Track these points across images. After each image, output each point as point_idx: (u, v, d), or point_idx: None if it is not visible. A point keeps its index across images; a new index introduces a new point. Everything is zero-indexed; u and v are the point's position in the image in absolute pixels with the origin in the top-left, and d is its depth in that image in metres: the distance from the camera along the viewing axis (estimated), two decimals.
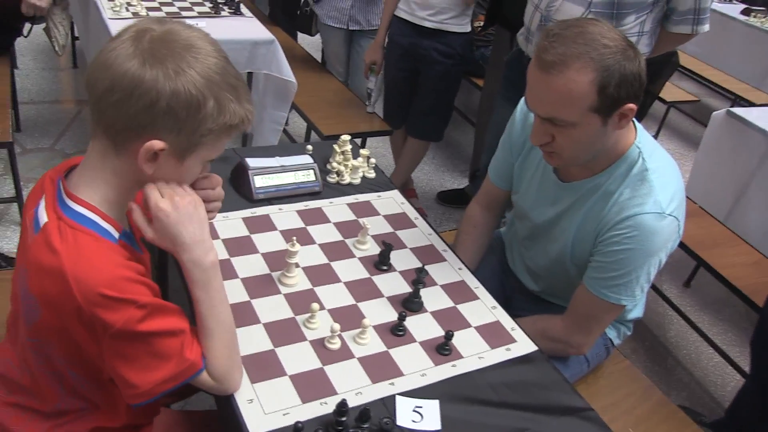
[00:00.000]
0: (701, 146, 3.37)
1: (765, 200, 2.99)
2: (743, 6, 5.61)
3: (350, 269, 1.59)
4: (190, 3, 3.13)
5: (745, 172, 3.09)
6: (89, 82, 1.00)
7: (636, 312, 1.83)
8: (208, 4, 3.15)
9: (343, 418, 1.16)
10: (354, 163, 1.93)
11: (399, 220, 1.82)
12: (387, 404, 1.26)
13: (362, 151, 1.99)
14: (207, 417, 1.52)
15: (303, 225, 1.71)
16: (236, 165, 1.80)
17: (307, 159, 1.87)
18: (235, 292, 1.44)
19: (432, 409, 1.26)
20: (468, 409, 1.29)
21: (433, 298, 1.55)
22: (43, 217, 1.03)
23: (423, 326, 1.46)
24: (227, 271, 1.49)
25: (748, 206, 3.09)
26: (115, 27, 2.64)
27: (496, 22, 3.31)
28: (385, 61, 3.18)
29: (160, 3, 3.05)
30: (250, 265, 1.53)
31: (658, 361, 2.88)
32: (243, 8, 3.20)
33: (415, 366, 1.36)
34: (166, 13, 2.96)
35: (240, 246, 1.59)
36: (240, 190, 1.77)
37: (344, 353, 1.35)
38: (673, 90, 4.79)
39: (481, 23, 3.57)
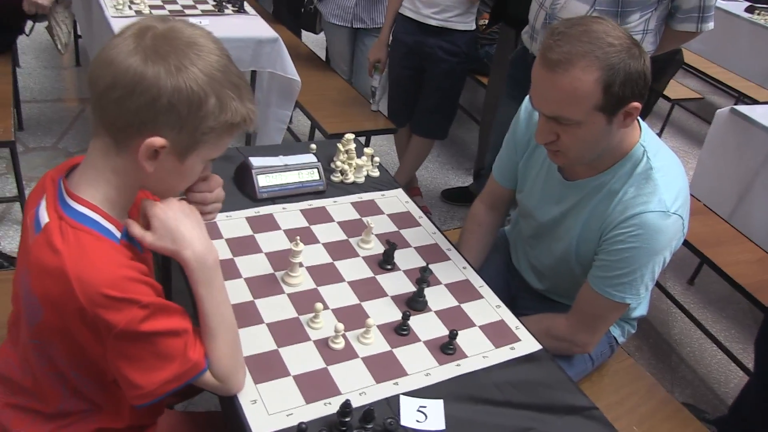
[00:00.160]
0: (705, 144, 3.36)
1: None
2: (747, 3, 5.59)
3: (354, 268, 1.59)
4: (194, 1, 3.13)
5: (749, 170, 3.08)
6: (91, 79, 1.00)
7: (640, 310, 1.82)
8: (211, 2, 3.15)
9: (347, 419, 1.15)
10: (358, 162, 1.93)
11: (403, 219, 1.82)
12: (391, 404, 1.25)
13: (366, 150, 1.98)
14: (211, 418, 1.51)
15: (307, 224, 1.71)
16: (240, 164, 1.80)
17: (310, 158, 1.86)
18: (238, 292, 1.44)
19: (436, 408, 1.26)
20: (472, 408, 1.29)
21: (438, 298, 1.55)
22: (44, 217, 1.03)
23: (427, 326, 1.46)
24: (230, 270, 1.49)
25: (752, 204, 3.08)
26: (117, 25, 2.63)
27: (500, 20, 3.30)
28: (389, 59, 3.17)
29: (163, 1, 3.05)
30: (254, 265, 1.53)
31: (662, 358, 2.87)
32: (247, 6, 3.20)
33: (420, 366, 1.35)
34: (170, 11, 2.96)
35: (243, 245, 1.58)
36: (243, 190, 1.77)
37: (348, 353, 1.35)
38: (678, 87, 4.78)
39: (486, 21, 3.56)
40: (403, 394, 1.28)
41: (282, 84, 3.13)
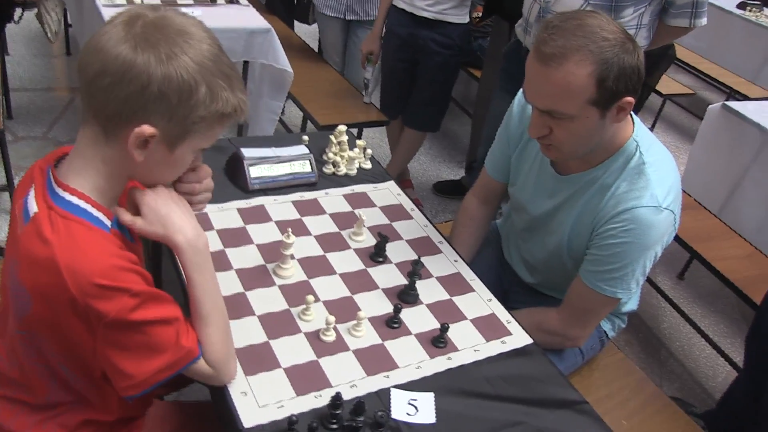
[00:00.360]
0: (696, 139, 3.38)
1: (759, 194, 3.00)
2: (739, 0, 5.61)
3: (346, 261, 1.58)
4: None
5: (739, 165, 3.10)
6: (80, 66, 0.98)
7: (631, 305, 1.83)
8: None
9: (338, 411, 1.15)
10: (350, 154, 1.92)
11: (395, 212, 1.81)
12: (382, 397, 1.25)
13: (358, 142, 1.98)
14: (200, 408, 1.51)
15: (298, 216, 1.70)
16: (231, 155, 1.79)
17: (303, 149, 1.85)
18: (229, 283, 1.43)
19: (427, 402, 1.26)
20: (463, 402, 1.29)
21: (429, 291, 1.55)
22: (33, 206, 1.02)
23: (418, 318, 1.46)
24: (222, 262, 1.49)
25: (742, 200, 3.10)
26: (108, 13, 2.61)
27: (494, 13, 3.29)
28: (382, 51, 3.16)
29: None
30: (245, 257, 1.52)
31: (652, 352, 2.89)
32: None
33: (411, 359, 1.35)
34: (161, 0, 2.93)
35: (235, 237, 1.58)
36: (235, 181, 1.76)
37: (339, 345, 1.34)
38: (669, 83, 4.79)
39: (479, 14, 3.55)
40: (394, 387, 1.28)
41: (274, 75, 3.11)
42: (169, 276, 1.53)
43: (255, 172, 1.75)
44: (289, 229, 1.46)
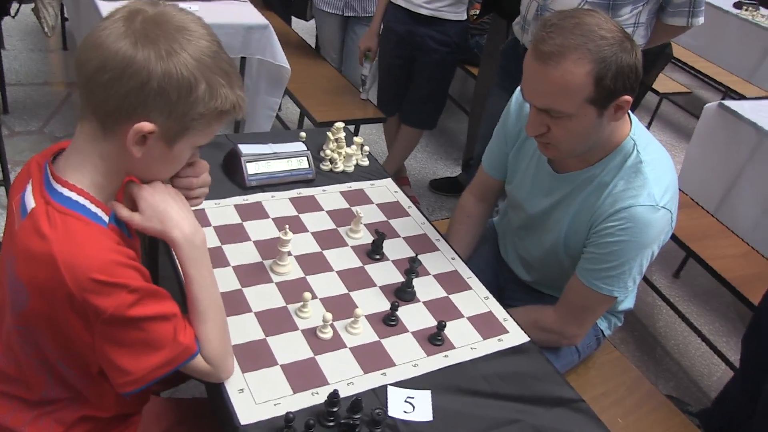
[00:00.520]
0: (693, 138, 3.38)
1: (755, 193, 3.01)
2: None
3: (343, 258, 1.58)
4: None
5: (736, 164, 3.10)
6: (79, 62, 0.98)
7: (627, 303, 1.83)
8: None
9: (335, 409, 1.15)
10: (347, 151, 1.92)
11: (392, 209, 1.81)
12: (379, 394, 1.25)
13: (356, 139, 1.97)
14: (196, 405, 1.51)
15: (296, 213, 1.70)
16: (229, 151, 1.79)
17: (300, 146, 1.85)
18: (226, 280, 1.43)
19: (424, 399, 1.26)
20: (460, 399, 1.29)
21: (426, 288, 1.55)
22: (31, 202, 1.02)
23: (415, 316, 1.46)
24: (219, 258, 1.48)
25: (738, 199, 3.10)
26: (105, 8, 2.60)
27: (492, 11, 3.29)
28: (380, 48, 3.16)
29: None
30: (242, 253, 1.52)
31: (647, 351, 2.89)
32: None
33: (407, 356, 1.35)
34: None
35: (232, 233, 1.57)
36: (232, 177, 1.76)
37: (336, 343, 1.34)
38: (666, 81, 4.80)
39: (477, 11, 3.55)
40: (391, 384, 1.28)
41: (271, 71, 3.11)
42: (165, 272, 1.53)
43: (252, 168, 1.74)
44: (287, 226, 1.46)
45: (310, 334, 1.35)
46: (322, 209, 1.74)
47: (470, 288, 1.59)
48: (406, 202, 1.86)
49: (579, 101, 1.36)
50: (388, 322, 1.42)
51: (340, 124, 1.94)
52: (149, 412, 1.37)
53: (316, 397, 1.21)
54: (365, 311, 1.42)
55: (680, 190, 1.53)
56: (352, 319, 1.38)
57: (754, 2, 5.50)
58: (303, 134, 1.95)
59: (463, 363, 1.37)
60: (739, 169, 3.09)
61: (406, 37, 3.05)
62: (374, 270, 1.56)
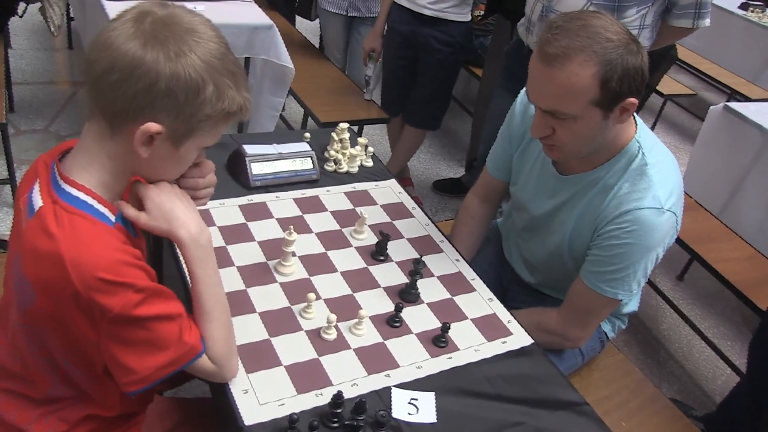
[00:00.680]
0: (698, 140, 3.37)
1: (760, 195, 3.00)
2: (741, 0, 5.60)
3: (347, 259, 1.58)
4: None
5: (741, 167, 3.10)
6: (88, 62, 0.98)
7: (631, 306, 1.83)
8: None
9: (339, 410, 1.15)
10: (352, 152, 1.92)
11: (396, 210, 1.81)
12: (382, 396, 1.25)
13: (360, 140, 1.97)
14: (200, 404, 1.51)
15: (300, 213, 1.70)
16: (233, 151, 1.79)
17: (304, 146, 1.85)
18: (230, 280, 1.43)
19: (428, 401, 1.26)
20: (463, 401, 1.29)
21: (430, 290, 1.55)
22: (38, 201, 1.02)
23: (419, 318, 1.46)
24: (223, 258, 1.48)
25: (742, 201, 3.10)
26: (111, 8, 2.61)
27: (496, 12, 3.29)
28: (384, 48, 3.16)
29: None
30: (246, 253, 1.52)
31: (651, 353, 2.89)
32: None
33: (411, 358, 1.35)
34: None
35: (236, 234, 1.58)
36: (237, 177, 1.76)
37: (340, 344, 1.34)
38: (671, 83, 4.79)
39: (481, 12, 3.55)
40: (395, 386, 1.28)
41: (275, 71, 3.11)
42: (169, 271, 1.53)
43: (257, 168, 1.75)
44: (291, 227, 1.46)
45: (314, 335, 1.35)
46: (327, 210, 1.74)
47: (474, 290, 1.59)
48: (410, 203, 1.86)
49: (584, 103, 1.36)
50: (392, 324, 1.42)
51: (344, 125, 1.94)
52: (153, 411, 1.37)
53: (320, 398, 1.21)
54: (369, 312, 1.42)
55: (685, 192, 1.53)
56: (356, 320, 1.38)
57: (760, 3, 5.49)
58: (307, 135, 1.95)
59: (467, 365, 1.37)
60: (744, 171, 3.09)
61: (410, 38, 3.05)
62: (378, 271, 1.57)
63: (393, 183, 1.93)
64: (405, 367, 1.33)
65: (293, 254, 1.51)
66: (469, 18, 3.04)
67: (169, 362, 1.06)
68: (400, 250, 1.65)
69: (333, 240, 1.63)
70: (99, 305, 0.97)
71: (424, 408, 1.24)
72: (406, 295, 1.50)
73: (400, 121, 3.40)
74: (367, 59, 3.18)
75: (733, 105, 3.19)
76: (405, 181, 3.58)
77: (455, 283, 1.59)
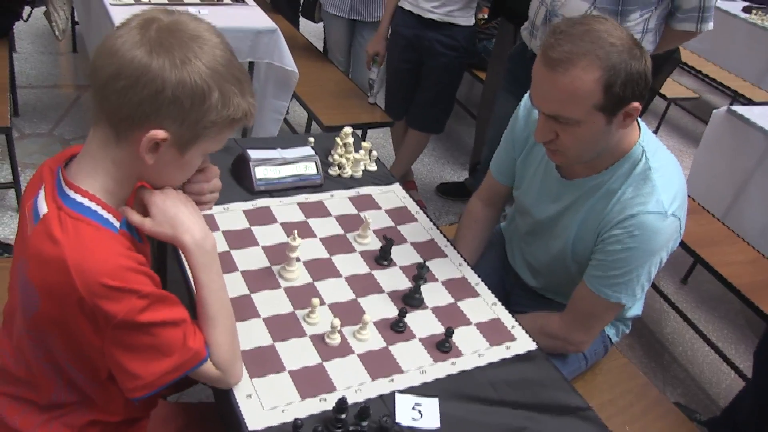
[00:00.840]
0: (701, 143, 3.37)
1: (764, 199, 3.00)
2: (745, 3, 5.60)
3: (351, 264, 1.58)
4: None
5: (744, 170, 3.09)
6: (94, 69, 0.99)
7: (635, 310, 1.83)
8: None
9: (343, 416, 1.16)
10: (356, 156, 1.92)
11: (400, 215, 1.81)
12: (386, 401, 1.26)
13: (364, 144, 1.98)
14: (204, 409, 1.52)
15: (304, 218, 1.70)
16: (238, 156, 1.80)
17: (308, 151, 1.85)
18: (234, 285, 1.43)
19: (431, 406, 1.26)
20: (467, 407, 1.29)
21: (434, 295, 1.55)
22: (43, 207, 1.03)
23: (423, 323, 1.46)
24: (227, 263, 1.49)
25: (746, 204, 3.09)
26: (116, 12, 2.61)
27: (500, 15, 3.29)
28: (387, 52, 3.16)
29: None
30: (250, 258, 1.53)
31: (655, 357, 2.88)
32: None
33: (415, 363, 1.35)
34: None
35: (240, 238, 1.58)
36: (241, 182, 1.76)
37: (344, 349, 1.35)
38: (674, 86, 4.79)
39: (485, 16, 3.55)
40: (399, 391, 1.28)
41: (279, 75, 3.12)
42: (173, 275, 1.53)
43: (261, 173, 1.75)
44: (295, 232, 1.46)
45: (318, 340, 1.35)
46: (330, 214, 1.74)
47: (478, 294, 1.59)
48: (414, 207, 1.86)
49: (587, 108, 1.36)
50: (395, 329, 1.42)
51: (348, 129, 1.95)
52: (157, 416, 1.37)
53: (324, 403, 1.22)
54: (373, 317, 1.42)
55: (688, 195, 1.53)
56: (360, 325, 1.38)
57: (763, 6, 5.49)
58: (311, 139, 1.95)
59: (471, 370, 1.37)
60: (748, 174, 3.08)
61: (414, 42, 3.06)
62: (382, 276, 1.57)
63: (397, 187, 1.93)
64: (409, 373, 1.33)
65: (297, 259, 1.51)
66: (473, 22, 3.05)
67: (174, 368, 1.06)
68: (403, 254, 1.65)
69: (337, 245, 1.64)
70: (103, 311, 0.98)
71: (428, 413, 1.24)
72: (410, 300, 1.50)
73: (403, 124, 3.40)
74: (371, 63, 3.18)
75: (737, 108, 3.18)
76: (409, 185, 3.58)
77: (459, 288, 1.59)
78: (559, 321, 1.65)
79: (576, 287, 1.62)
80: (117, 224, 1.06)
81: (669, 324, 3.11)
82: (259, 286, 1.45)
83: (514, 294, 1.94)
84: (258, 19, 3.00)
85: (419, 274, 1.49)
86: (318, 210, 1.75)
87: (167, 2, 2.88)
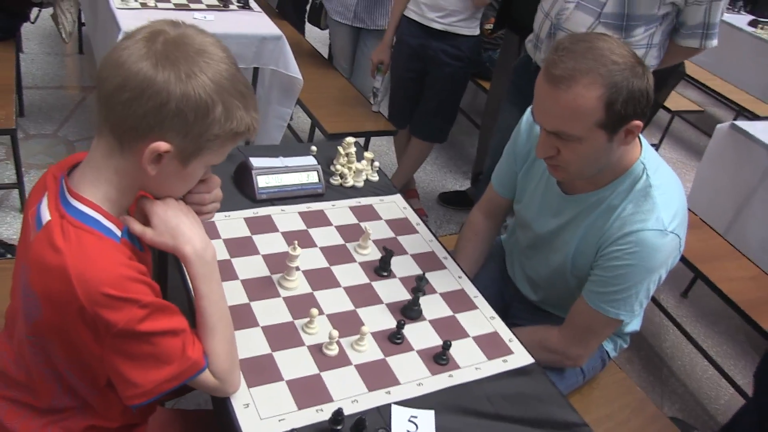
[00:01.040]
0: (704, 158, 3.37)
1: (766, 215, 3.00)
2: (750, 17, 5.61)
3: (350, 274, 1.59)
4: None
5: (747, 185, 3.09)
6: (99, 79, 1.00)
7: (633, 325, 1.83)
8: None
9: (339, 427, 1.16)
10: (358, 166, 1.93)
11: (401, 225, 1.82)
12: (382, 413, 1.26)
13: (366, 154, 1.98)
14: (201, 416, 1.52)
15: (305, 227, 1.71)
16: (240, 164, 1.80)
17: (310, 160, 1.86)
18: (234, 293, 1.44)
19: (427, 419, 1.26)
20: (463, 420, 1.29)
21: (432, 307, 1.55)
22: (46, 215, 1.03)
23: (421, 335, 1.46)
24: (228, 271, 1.49)
25: (748, 220, 3.09)
26: (122, 16, 2.63)
27: (505, 26, 3.30)
28: (392, 60, 3.17)
29: None
30: (251, 267, 1.53)
31: (653, 371, 2.88)
32: (251, 2, 3.19)
33: (412, 375, 1.36)
34: (175, 4, 2.95)
35: (241, 246, 1.59)
36: (243, 190, 1.77)
37: (342, 360, 1.35)
38: (678, 99, 4.78)
39: (491, 26, 3.56)
40: (395, 403, 1.28)
41: (283, 82, 3.13)
42: (173, 282, 1.54)
43: (263, 181, 1.76)
44: (296, 242, 1.47)
45: (316, 351, 1.36)
46: (331, 224, 1.75)
47: (476, 307, 1.59)
48: (414, 218, 1.87)
49: (589, 125, 1.36)
50: (393, 340, 1.43)
51: (351, 139, 1.95)
52: (155, 422, 1.37)
53: (321, 414, 1.22)
54: (371, 328, 1.43)
55: (690, 210, 1.53)
56: (358, 336, 1.38)
57: None
58: (314, 148, 1.96)
59: (468, 383, 1.38)
60: (751, 190, 3.08)
61: (419, 51, 3.07)
62: (381, 287, 1.57)
63: (398, 198, 1.94)
64: (405, 385, 1.33)
65: (297, 269, 1.52)
66: (477, 32, 3.06)
67: (172, 377, 1.07)
68: (403, 266, 1.66)
69: (337, 255, 1.64)
70: (104, 320, 0.98)
71: (424, 426, 1.25)
72: (409, 312, 1.50)
73: (406, 133, 3.41)
74: (376, 71, 3.19)
75: (740, 123, 3.19)
76: (411, 193, 3.58)
77: (457, 301, 1.60)
78: (558, 335, 1.65)
79: (575, 302, 1.63)
80: (119, 233, 1.07)
81: (668, 338, 3.11)
82: (258, 295, 1.46)
83: (513, 306, 1.94)
84: (263, 25, 3.00)
85: (418, 286, 1.50)
86: (319, 219, 1.75)
87: (173, 7, 2.89)
